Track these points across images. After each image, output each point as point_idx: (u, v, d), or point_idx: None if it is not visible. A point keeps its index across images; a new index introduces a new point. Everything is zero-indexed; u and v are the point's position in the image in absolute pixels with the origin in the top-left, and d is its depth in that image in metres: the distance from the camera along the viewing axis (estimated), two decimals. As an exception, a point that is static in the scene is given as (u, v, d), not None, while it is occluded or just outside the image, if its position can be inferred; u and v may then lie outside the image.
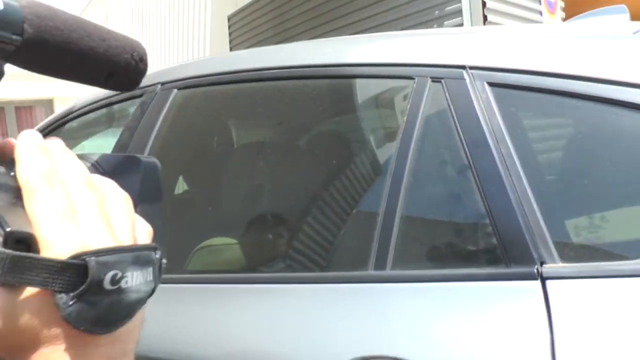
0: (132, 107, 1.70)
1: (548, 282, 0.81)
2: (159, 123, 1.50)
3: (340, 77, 1.16)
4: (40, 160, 0.37)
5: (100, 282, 0.33)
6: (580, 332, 0.78)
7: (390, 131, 1.08)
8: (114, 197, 0.39)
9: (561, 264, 0.81)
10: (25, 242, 0.34)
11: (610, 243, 0.89)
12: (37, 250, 0.34)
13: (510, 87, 0.94)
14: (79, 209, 0.36)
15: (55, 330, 0.34)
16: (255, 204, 1.41)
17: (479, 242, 0.91)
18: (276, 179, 1.40)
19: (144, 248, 0.37)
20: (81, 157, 0.44)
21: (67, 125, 1.98)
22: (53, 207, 0.35)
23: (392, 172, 0.99)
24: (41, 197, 0.35)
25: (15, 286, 0.33)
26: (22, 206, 0.35)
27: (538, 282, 0.81)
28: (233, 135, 1.60)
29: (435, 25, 4.12)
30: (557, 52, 0.96)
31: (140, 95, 1.63)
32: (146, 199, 0.45)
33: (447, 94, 0.98)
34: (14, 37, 0.38)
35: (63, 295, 0.33)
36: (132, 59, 0.46)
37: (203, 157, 1.58)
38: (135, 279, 0.35)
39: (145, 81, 1.66)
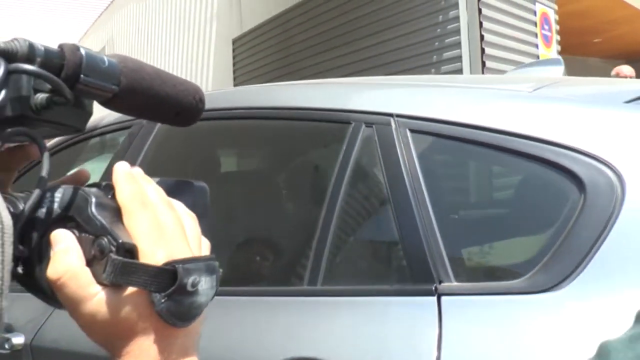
0: (121, 137, 1.94)
1: (443, 298, 1.03)
2: (143, 151, 1.74)
3: (289, 119, 1.40)
4: (133, 186, 0.47)
5: (184, 285, 0.42)
6: (465, 337, 1.00)
7: (329, 165, 1.31)
8: (185, 215, 0.49)
9: (455, 283, 1.03)
10: (131, 251, 0.43)
11: (496, 266, 1.11)
12: (137, 259, 0.43)
13: (426, 134, 1.17)
14: (165, 226, 0.45)
15: (148, 323, 0.42)
16: (219, 225, 1.65)
17: (392, 263, 1.13)
18: (233, 205, 1.64)
19: (211, 259, 0.46)
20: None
21: (67, 149, 2.22)
22: (148, 224, 0.44)
23: (328, 201, 1.22)
24: (138, 216, 0.45)
25: (120, 286, 0.42)
26: (122, 222, 0.45)
27: (434, 298, 1.03)
28: (201, 165, 1.84)
29: (433, 70, 4.34)
30: (467, 104, 1.19)
31: (129, 127, 1.87)
32: (198, 217, 0.51)
33: (376, 137, 1.21)
34: (113, 86, 0.48)
35: (157, 294, 0.42)
36: (194, 100, 0.55)
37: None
38: (205, 284, 0.43)
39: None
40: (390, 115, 1.22)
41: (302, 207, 1.43)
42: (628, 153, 0.99)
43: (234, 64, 7.08)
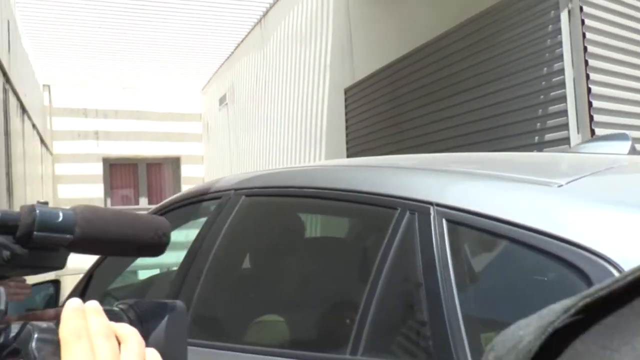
0: (212, 206, 2.22)
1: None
2: (229, 220, 2.00)
3: (346, 200, 1.61)
4: (75, 320, 0.51)
5: None
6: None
7: (377, 246, 1.49)
8: (130, 343, 0.52)
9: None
10: None
11: None
12: None
13: (460, 224, 1.32)
14: (97, 356, 0.49)
15: None
16: (288, 291, 1.87)
17: (419, 343, 1.29)
18: (298, 276, 1.85)
19: None
20: (122, 303, 0.61)
21: (168, 214, 2.55)
22: (81, 357, 0.48)
23: (372, 279, 1.40)
24: (72, 350, 0.49)
25: None
26: (59, 356, 0.50)
27: (454, 377, 1.18)
28: (281, 236, 2.08)
29: (540, 111, 4.36)
30: (497, 196, 1.33)
31: (220, 197, 2.15)
32: (171, 338, 0.55)
33: (417, 224, 1.38)
34: (67, 236, 0.57)
35: None
36: (156, 235, 0.61)
37: (258, 250, 2.08)
38: None
39: (224, 185, 2.21)
40: (430, 203, 1.38)
41: (352, 282, 1.62)
42: (631, 253, 1.09)
43: (346, 113, 7.37)
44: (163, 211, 2.55)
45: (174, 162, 13.81)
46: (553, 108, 4.23)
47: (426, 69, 5.70)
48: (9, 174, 6.00)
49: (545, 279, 1.20)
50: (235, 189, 2.05)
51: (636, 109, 4.32)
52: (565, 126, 4.17)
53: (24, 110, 7.60)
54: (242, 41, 11.49)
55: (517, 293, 1.22)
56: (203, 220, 2.47)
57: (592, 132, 4.13)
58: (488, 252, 1.35)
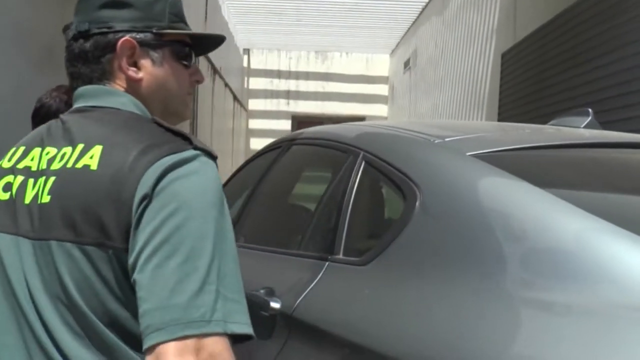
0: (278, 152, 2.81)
1: (328, 263, 1.67)
2: (278, 164, 2.61)
3: (325, 146, 2.14)
4: None
5: None
6: (329, 282, 1.63)
7: (334, 174, 1.99)
8: None
9: (339, 256, 1.67)
10: None
11: (359, 249, 1.69)
12: None
13: (369, 164, 1.78)
14: None
15: None
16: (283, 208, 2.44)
17: (321, 242, 1.80)
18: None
19: None
20: None
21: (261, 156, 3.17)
22: None
23: (327, 194, 1.94)
24: None
25: None
26: None
27: (326, 262, 1.69)
28: (289, 171, 2.63)
29: None
30: (394, 147, 1.78)
31: (280, 147, 2.75)
32: None
33: (353, 163, 1.87)
34: None
35: None
36: None
37: (275, 184, 2.66)
38: None
39: (289, 137, 2.78)
40: (361, 150, 1.87)
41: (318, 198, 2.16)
42: (430, 178, 1.51)
43: (501, 78, 7.52)
44: (259, 154, 3.18)
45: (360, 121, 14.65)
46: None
47: (573, 31, 5.71)
48: (193, 125, 7.13)
49: (391, 198, 1.65)
50: (290, 140, 2.63)
51: None
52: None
53: (215, 71, 8.78)
54: (425, 6, 11.85)
55: (368, 207, 1.70)
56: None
57: None
58: (376, 181, 1.81)
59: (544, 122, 6.13)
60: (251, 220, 2.53)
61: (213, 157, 1.03)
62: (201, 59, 7.90)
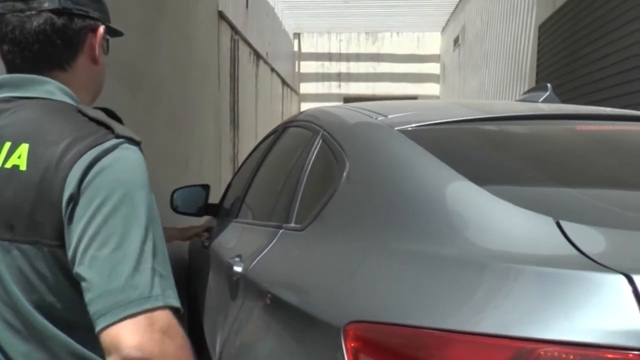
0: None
1: (281, 230, 1.84)
2: (274, 146, 2.78)
3: (299, 126, 2.29)
4: None
5: None
6: (280, 244, 1.80)
7: (302, 149, 2.14)
8: None
9: (290, 224, 1.83)
10: None
11: (305, 217, 1.83)
12: None
13: (323, 140, 1.93)
14: None
15: None
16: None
17: (276, 211, 1.96)
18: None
19: None
20: None
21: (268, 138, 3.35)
22: None
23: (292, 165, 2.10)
24: None
25: None
26: None
27: (281, 230, 1.85)
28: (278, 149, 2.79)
29: None
30: (343, 125, 1.92)
31: (276, 130, 2.91)
32: None
33: (314, 139, 2.01)
34: None
35: None
36: None
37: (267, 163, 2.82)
38: None
39: (286, 120, 2.97)
40: (321, 128, 2.01)
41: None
42: (358, 150, 1.65)
43: (538, 51, 7.42)
44: (265, 138, 3.35)
45: (412, 101, 14.58)
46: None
47: (601, 2, 5.62)
48: (233, 110, 7.37)
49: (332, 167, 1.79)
50: (285, 123, 2.79)
51: None
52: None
53: (257, 56, 8.99)
54: (472, -19, 11.69)
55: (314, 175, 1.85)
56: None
57: None
58: (326, 155, 1.96)
59: (582, 94, 6.05)
60: (248, 199, 2.72)
61: (136, 143, 1.10)
62: (242, 45, 8.07)
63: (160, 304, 0.97)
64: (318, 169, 1.91)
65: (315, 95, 14.02)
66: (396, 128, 1.66)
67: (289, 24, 12.97)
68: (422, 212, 1.31)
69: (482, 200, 1.21)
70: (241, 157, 7.22)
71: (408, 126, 1.67)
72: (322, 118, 2.13)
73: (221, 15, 6.64)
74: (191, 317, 3.27)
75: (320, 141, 1.96)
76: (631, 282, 0.89)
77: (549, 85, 2.26)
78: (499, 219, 1.15)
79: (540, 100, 2.21)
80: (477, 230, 1.15)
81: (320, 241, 1.58)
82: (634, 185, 1.50)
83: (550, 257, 1.02)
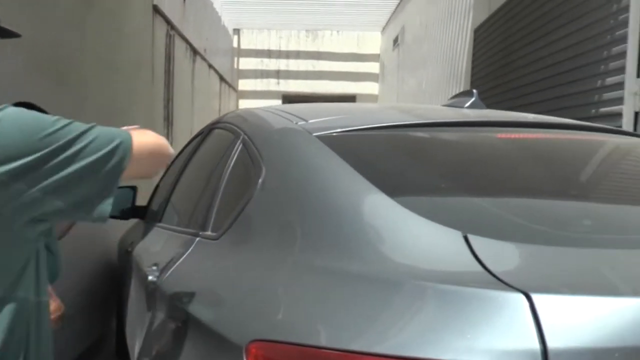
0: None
1: (197, 238, 1.78)
2: (200, 147, 2.70)
3: (222, 128, 2.22)
4: None
5: None
6: (196, 251, 1.74)
7: (225, 150, 2.08)
8: None
9: (206, 232, 1.77)
10: None
11: (218, 225, 1.78)
12: None
13: (243, 143, 1.88)
14: None
15: None
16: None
17: (196, 219, 1.90)
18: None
19: None
20: None
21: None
22: None
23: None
24: None
25: None
26: None
27: (197, 238, 1.79)
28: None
29: (602, 67, 4.41)
30: (264, 128, 1.87)
31: (203, 131, 2.84)
32: None
33: (236, 142, 1.96)
34: None
35: None
36: None
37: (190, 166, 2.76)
38: None
39: (212, 121, 2.87)
40: (243, 131, 1.96)
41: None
42: (275, 157, 1.60)
43: (473, 54, 7.55)
44: (191, 139, 3.27)
45: (350, 101, 14.64)
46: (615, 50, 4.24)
47: (538, 11, 5.74)
48: (167, 107, 7.22)
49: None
50: (212, 123, 2.71)
51: None
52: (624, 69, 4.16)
53: (194, 52, 8.84)
54: (412, -18, 11.80)
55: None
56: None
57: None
58: (245, 161, 1.91)
59: (512, 97, 6.16)
60: (171, 203, 2.64)
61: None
62: (178, 41, 7.91)
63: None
64: (237, 174, 1.86)
65: (254, 93, 13.91)
66: (314, 134, 1.62)
67: (229, 20, 12.80)
68: (332, 225, 1.27)
69: (393, 214, 1.18)
70: (175, 155, 7.07)
71: (327, 132, 1.63)
72: (243, 121, 2.08)
73: (156, 10, 6.48)
74: (120, 324, 3.17)
75: (241, 145, 1.91)
76: (530, 301, 0.88)
77: (474, 90, 2.26)
78: (408, 233, 1.13)
79: (466, 105, 2.21)
80: (385, 245, 1.13)
81: (233, 252, 1.53)
82: (548, 195, 1.51)
83: (455, 273, 1.01)
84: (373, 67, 14.70)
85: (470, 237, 1.06)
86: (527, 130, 1.99)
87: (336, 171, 1.40)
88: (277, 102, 13.97)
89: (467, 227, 1.12)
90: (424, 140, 1.71)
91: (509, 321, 0.88)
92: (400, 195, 1.27)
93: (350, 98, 14.56)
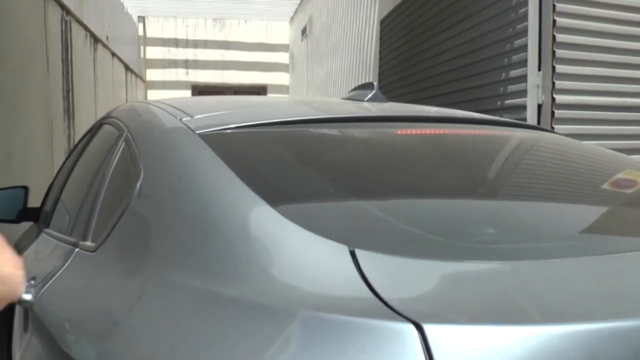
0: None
1: (76, 250, 1.58)
2: (90, 143, 2.46)
3: (108, 124, 2.01)
4: None
5: None
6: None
7: (112, 145, 1.87)
8: None
9: (89, 242, 1.58)
10: None
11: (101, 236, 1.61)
12: None
13: (126, 140, 1.70)
14: None
15: None
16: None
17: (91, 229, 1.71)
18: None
19: None
20: None
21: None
22: None
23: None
24: None
25: None
26: None
27: (76, 250, 1.59)
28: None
29: (505, 60, 4.45)
30: (141, 120, 1.69)
31: (94, 126, 2.60)
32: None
33: (120, 138, 1.77)
34: None
35: None
36: None
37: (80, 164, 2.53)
38: None
39: (104, 116, 2.64)
40: (127, 127, 1.76)
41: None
42: (154, 159, 1.43)
43: (380, 44, 7.53)
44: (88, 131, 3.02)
45: (261, 91, 14.44)
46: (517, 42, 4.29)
47: (436, 0, 5.75)
48: (68, 98, 6.80)
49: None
50: (102, 118, 2.48)
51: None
52: (525, 62, 4.20)
53: (95, 39, 8.39)
54: (319, -28, 11.71)
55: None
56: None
57: (553, 68, 4.16)
58: (126, 162, 1.73)
59: (418, 89, 6.17)
60: (59, 206, 2.40)
61: None
62: (77, 27, 7.48)
63: None
64: (117, 177, 1.67)
65: (163, 83, 13.44)
66: (197, 132, 1.46)
67: (133, 6, 12.29)
68: (206, 239, 1.11)
69: (274, 226, 1.04)
70: (75, 148, 6.68)
71: (210, 129, 1.48)
72: (129, 115, 1.89)
73: (48, -6, 6.07)
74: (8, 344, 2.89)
75: (123, 144, 1.72)
76: (421, 332, 0.76)
77: (375, 83, 2.16)
78: (288, 249, 0.99)
79: (366, 99, 2.10)
80: (262, 263, 0.99)
81: (106, 268, 1.35)
82: (449, 198, 1.41)
83: (338, 298, 0.88)
84: (283, 58, 14.54)
85: (358, 253, 0.94)
86: (428, 126, 1.91)
87: (214, 176, 1.25)
88: (187, 93, 13.60)
89: (356, 239, 1.00)
90: (315, 137, 1.58)
91: (398, 356, 0.76)
92: (285, 203, 1.14)
93: (261, 88, 14.36)
